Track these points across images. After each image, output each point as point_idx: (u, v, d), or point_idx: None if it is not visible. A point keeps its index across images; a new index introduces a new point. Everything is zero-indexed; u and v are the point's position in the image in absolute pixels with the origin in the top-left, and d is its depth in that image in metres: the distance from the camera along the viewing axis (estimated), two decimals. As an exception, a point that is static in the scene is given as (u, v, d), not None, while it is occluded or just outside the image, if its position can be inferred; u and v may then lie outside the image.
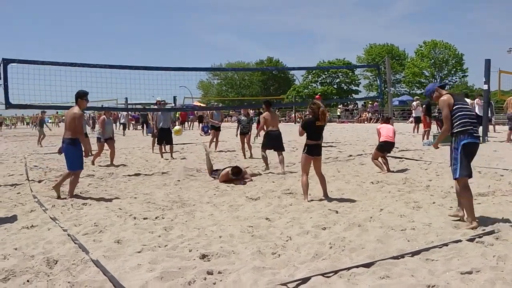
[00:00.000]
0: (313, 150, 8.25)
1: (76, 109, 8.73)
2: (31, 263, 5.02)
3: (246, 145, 15.86)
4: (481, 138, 8.33)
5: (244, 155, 15.47)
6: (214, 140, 18.37)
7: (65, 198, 8.59)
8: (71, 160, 8.77)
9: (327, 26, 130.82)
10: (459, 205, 6.63)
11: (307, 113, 8.16)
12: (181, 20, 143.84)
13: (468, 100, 18.83)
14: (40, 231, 6.46)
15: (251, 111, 23.05)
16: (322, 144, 8.24)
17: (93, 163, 13.94)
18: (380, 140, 11.63)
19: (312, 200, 8.06)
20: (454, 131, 6.23)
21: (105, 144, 14.45)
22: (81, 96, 8.83)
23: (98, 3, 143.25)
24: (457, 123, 6.20)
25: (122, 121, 36.05)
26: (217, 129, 18.39)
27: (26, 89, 11.81)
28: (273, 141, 12.06)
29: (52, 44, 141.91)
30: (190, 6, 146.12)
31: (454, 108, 6.25)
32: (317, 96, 23.80)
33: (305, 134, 8.31)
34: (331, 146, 18.49)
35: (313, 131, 8.23)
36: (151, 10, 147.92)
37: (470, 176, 6.35)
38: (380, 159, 11.56)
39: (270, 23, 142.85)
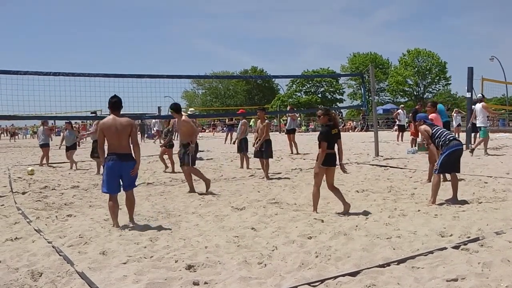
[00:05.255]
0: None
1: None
2: (15, 275, 4.96)
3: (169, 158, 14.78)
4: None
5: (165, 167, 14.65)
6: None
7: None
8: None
9: (311, 34, 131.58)
10: None
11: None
12: (167, 27, 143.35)
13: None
14: (25, 243, 6.40)
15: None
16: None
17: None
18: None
19: (297, 210, 8.07)
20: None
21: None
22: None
23: (79, 8, 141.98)
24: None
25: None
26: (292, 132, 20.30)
27: (4, 99, 11.79)
28: None
29: (25, 52, 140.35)
30: (177, 14, 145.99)
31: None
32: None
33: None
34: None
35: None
36: (136, 18, 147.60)
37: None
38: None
39: (255, 32, 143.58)
